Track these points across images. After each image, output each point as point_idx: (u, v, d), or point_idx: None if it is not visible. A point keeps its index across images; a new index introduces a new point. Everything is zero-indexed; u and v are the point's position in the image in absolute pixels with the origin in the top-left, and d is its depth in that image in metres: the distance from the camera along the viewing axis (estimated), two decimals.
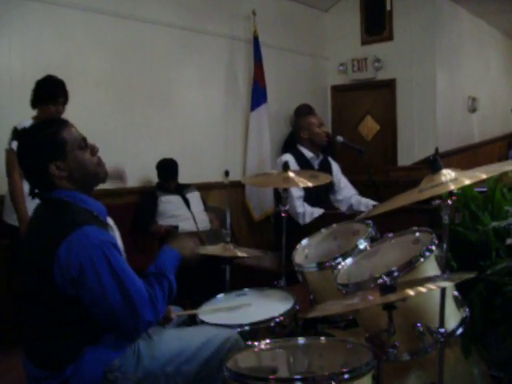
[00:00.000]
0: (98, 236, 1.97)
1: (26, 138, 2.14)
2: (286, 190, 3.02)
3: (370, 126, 7.93)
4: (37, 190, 2.13)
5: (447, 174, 1.90)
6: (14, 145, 3.98)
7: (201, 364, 2.11)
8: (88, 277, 1.93)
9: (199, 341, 2.15)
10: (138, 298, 1.98)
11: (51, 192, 2.09)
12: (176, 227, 5.17)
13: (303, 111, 6.63)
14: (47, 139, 2.07)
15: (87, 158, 2.14)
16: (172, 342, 2.15)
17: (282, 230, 3.02)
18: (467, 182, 1.85)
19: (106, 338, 2.03)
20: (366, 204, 4.47)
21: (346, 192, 4.60)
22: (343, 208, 4.56)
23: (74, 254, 1.92)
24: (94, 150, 2.18)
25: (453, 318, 2.09)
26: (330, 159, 4.71)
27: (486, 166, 2.06)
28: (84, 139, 2.16)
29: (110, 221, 2.29)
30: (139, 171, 5.57)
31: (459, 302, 2.15)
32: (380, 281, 2.00)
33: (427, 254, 2.05)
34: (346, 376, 1.68)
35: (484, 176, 1.89)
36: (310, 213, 4.26)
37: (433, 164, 1.90)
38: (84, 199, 2.11)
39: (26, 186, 3.92)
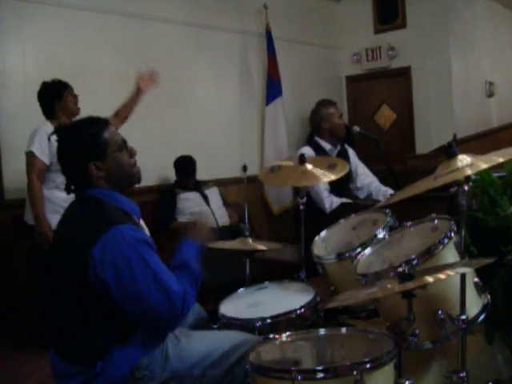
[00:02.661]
0: (132, 234, 1.99)
1: (68, 135, 2.16)
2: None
3: (386, 115, 7.88)
4: (73, 187, 2.17)
5: (463, 160, 1.89)
6: (34, 147, 4.04)
7: (226, 369, 2.11)
8: (124, 276, 1.94)
9: (226, 346, 2.15)
10: (175, 295, 2.00)
11: (87, 190, 2.12)
12: (195, 223, 5.18)
13: (324, 103, 6.60)
14: (89, 138, 2.10)
15: (126, 160, 2.18)
16: (200, 345, 2.16)
17: (301, 223, 3.02)
18: (483, 166, 1.84)
19: (134, 338, 2.04)
20: (384, 193, 4.45)
21: (364, 178, 4.59)
22: (362, 195, 4.55)
23: (109, 252, 1.93)
24: (132, 153, 2.23)
25: (474, 304, 2.09)
26: (347, 146, 4.71)
27: (502, 150, 2.04)
28: (124, 141, 2.21)
29: (141, 222, 2.31)
30: (156, 169, 5.60)
31: (480, 289, 2.14)
32: (399, 269, 2.00)
33: (446, 241, 2.04)
34: (368, 365, 1.68)
35: (500, 160, 1.88)
36: (337, 203, 4.26)
37: (448, 150, 1.89)
38: (119, 198, 2.14)
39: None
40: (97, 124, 2.17)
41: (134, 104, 4.46)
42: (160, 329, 2.07)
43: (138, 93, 4.44)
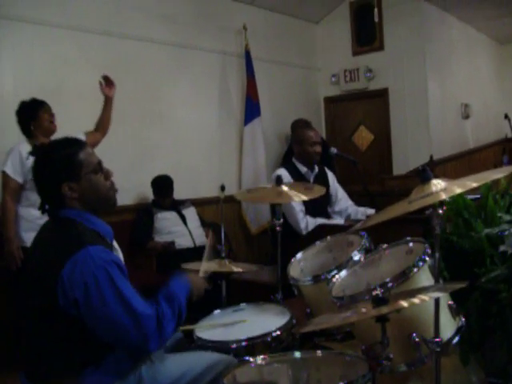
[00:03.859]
0: (102, 256, 1.97)
1: (43, 155, 2.15)
2: (280, 205, 3.02)
3: (364, 136, 7.95)
4: (47, 207, 2.15)
5: (437, 184, 1.91)
6: (7, 167, 4.02)
7: None
8: (92, 297, 1.92)
9: (201, 367, 2.14)
10: (144, 317, 1.97)
11: (60, 210, 2.11)
12: (172, 243, 5.17)
13: (299, 124, 6.65)
14: (64, 159, 2.09)
15: (101, 182, 2.17)
16: (174, 367, 2.14)
17: (277, 244, 3.03)
18: (457, 190, 1.86)
19: (107, 361, 2.01)
20: (363, 213, 4.47)
21: (343, 203, 4.59)
22: (340, 219, 4.56)
23: (79, 273, 1.91)
24: (108, 175, 2.21)
25: (448, 327, 2.10)
26: (326, 170, 4.69)
27: (476, 175, 2.06)
28: (100, 163, 2.19)
29: (115, 244, 2.30)
30: (134, 188, 5.58)
31: (454, 311, 2.15)
32: (374, 292, 2.00)
33: (420, 264, 2.05)
34: None
35: (474, 185, 1.90)
36: (312, 224, 4.25)
37: (422, 174, 1.91)
38: (92, 220, 2.12)
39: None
40: (72, 145, 2.16)
41: (108, 113, 4.52)
42: (132, 352, 2.05)
43: (107, 102, 4.47)
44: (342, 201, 4.60)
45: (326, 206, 4.54)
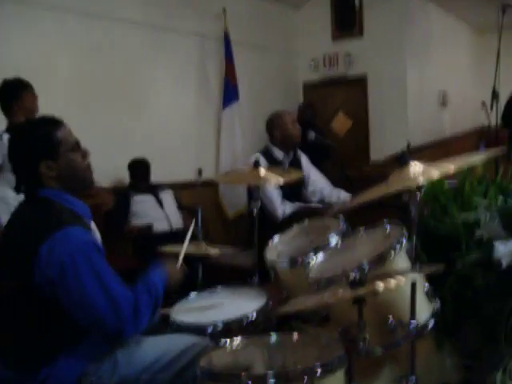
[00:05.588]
0: (81, 237, 1.96)
1: (20, 134, 2.14)
2: (259, 188, 3.01)
3: (342, 122, 7.95)
4: (23, 187, 2.12)
5: (415, 168, 1.91)
6: None
7: (176, 373, 2.09)
8: (69, 277, 1.90)
9: (176, 350, 2.13)
10: (121, 300, 1.96)
11: (37, 190, 2.08)
12: (149, 226, 5.14)
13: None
14: (42, 137, 2.07)
15: (78, 161, 2.15)
16: (150, 350, 2.13)
17: (254, 228, 3.02)
18: (435, 174, 1.87)
19: (82, 345, 2.00)
20: (337, 195, 4.48)
21: (317, 183, 4.59)
22: (315, 199, 4.56)
23: (56, 253, 1.89)
24: (85, 154, 2.19)
25: (424, 310, 2.11)
26: (300, 152, 4.68)
27: (453, 159, 2.07)
28: (77, 142, 2.17)
29: (92, 225, 2.27)
30: (111, 171, 5.52)
31: (430, 295, 2.17)
32: (351, 275, 2.00)
33: (397, 247, 2.06)
34: (319, 370, 1.68)
35: (451, 168, 1.91)
36: (290, 209, 4.26)
37: (400, 158, 1.91)
38: (70, 200, 2.10)
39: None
40: (50, 123, 2.14)
41: None
42: (108, 336, 2.02)
43: None
44: (316, 181, 4.60)
45: (302, 189, 4.55)
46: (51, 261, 1.89)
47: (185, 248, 2.61)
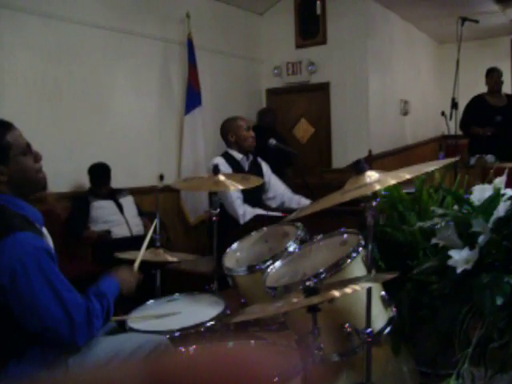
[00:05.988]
0: (32, 243, 1.92)
1: None
2: (217, 194, 3.00)
3: (304, 129, 7.99)
4: None
5: (371, 176, 1.92)
6: None
7: None
8: (20, 284, 1.86)
9: (129, 348, 2.11)
10: (74, 309, 1.93)
11: None
12: (108, 232, 5.08)
13: (261, 113, 6.71)
14: None
15: (30, 164, 2.10)
16: (101, 351, 2.10)
17: (214, 234, 3.01)
18: (391, 182, 1.88)
19: (32, 352, 1.96)
20: (297, 201, 4.52)
21: (277, 189, 4.62)
22: (275, 205, 4.58)
23: (7, 259, 1.85)
24: (37, 157, 2.14)
25: (380, 317, 2.13)
26: (260, 159, 4.71)
27: (410, 167, 2.09)
28: (28, 145, 2.12)
29: (44, 230, 2.23)
30: (71, 176, 5.44)
31: (386, 302, 2.18)
32: (307, 283, 2.01)
33: (354, 255, 2.07)
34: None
35: (408, 176, 1.92)
36: (250, 212, 4.27)
37: (357, 166, 1.92)
38: (21, 205, 2.06)
39: None
40: None
41: None
42: (59, 344, 1.99)
43: None
44: (276, 187, 4.63)
45: (261, 194, 4.57)
46: (1, 267, 1.85)
47: (141, 255, 2.58)
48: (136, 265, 2.47)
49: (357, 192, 1.78)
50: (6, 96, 4.56)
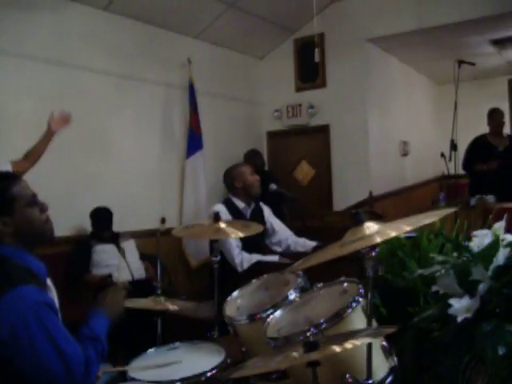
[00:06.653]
0: (33, 297, 1.91)
1: None
2: (217, 241, 3.02)
3: (305, 171, 8.03)
4: None
5: (371, 227, 1.94)
6: None
7: None
8: (20, 339, 1.85)
9: None
10: (74, 361, 1.92)
11: None
12: (110, 276, 5.07)
13: (248, 157, 6.81)
14: None
15: (35, 215, 2.11)
16: None
17: (214, 281, 3.01)
18: (391, 234, 1.89)
19: None
20: (302, 244, 4.53)
21: (282, 234, 4.63)
22: (280, 249, 4.59)
23: (7, 314, 1.85)
24: (43, 208, 2.16)
25: (381, 367, 2.11)
26: (262, 204, 4.74)
27: (410, 218, 2.10)
28: (34, 196, 2.13)
29: (48, 281, 2.23)
30: (73, 219, 5.45)
31: (387, 352, 2.17)
32: (308, 333, 2.01)
33: (354, 304, 2.07)
34: None
35: (407, 228, 1.94)
36: (248, 260, 4.27)
37: (356, 217, 1.94)
38: (25, 257, 2.06)
39: None
40: (4, 179, 2.11)
41: (44, 145, 4.36)
42: None
43: (48, 134, 4.35)
44: (280, 231, 4.65)
45: (262, 240, 4.58)
46: (3, 323, 1.85)
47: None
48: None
49: (356, 245, 1.80)
50: (8, 140, 4.61)
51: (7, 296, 1.87)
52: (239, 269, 4.23)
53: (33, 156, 4.33)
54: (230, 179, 4.58)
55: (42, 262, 2.14)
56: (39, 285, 2.01)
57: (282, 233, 4.64)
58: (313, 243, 4.44)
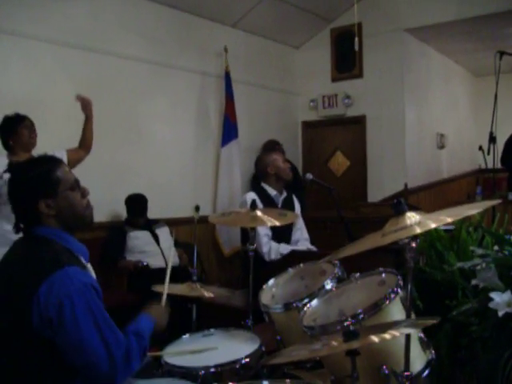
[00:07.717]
0: (80, 278, 1.93)
1: (19, 172, 2.13)
2: (254, 229, 3.01)
3: (340, 162, 7.99)
4: (21, 225, 2.11)
5: (412, 217, 1.90)
6: None
7: None
8: (66, 318, 1.87)
9: None
10: (115, 346, 1.94)
11: (35, 228, 2.07)
12: (146, 265, 5.11)
13: (267, 147, 6.74)
14: (41, 176, 2.06)
15: (77, 199, 2.14)
16: None
17: (249, 269, 3.01)
18: (432, 225, 1.85)
19: None
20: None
21: (302, 233, 4.59)
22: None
23: (55, 293, 1.87)
24: (84, 193, 2.19)
25: (418, 360, 2.08)
26: (295, 198, 4.70)
27: (450, 209, 2.06)
28: (77, 181, 2.16)
29: (88, 265, 2.26)
30: (108, 206, 5.52)
31: (425, 344, 2.14)
32: (345, 324, 1.99)
33: (392, 296, 2.04)
34: None
35: (449, 220, 1.89)
36: (275, 250, 4.25)
37: (397, 207, 1.91)
38: (68, 239, 2.09)
39: None
40: (49, 162, 2.14)
41: (89, 130, 4.48)
42: (97, 380, 1.99)
43: (86, 119, 4.43)
44: (302, 230, 4.61)
45: (291, 232, 4.54)
46: (50, 302, 1.87)
47: (166, 288, 2.59)
48: (163, 300, 2.48)
49: (397, 235, 1.77)
50: (46, 127, 4.65)
51: (55, 276, 1.89)
52: (266, 257, 4.21)
53: (85, 144, 4.45)
54: (263, 166, 4.56)
55: (83, 246, 2.16)
56: (82, 266, 2.04)
57: (302, 234, 4.60)
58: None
